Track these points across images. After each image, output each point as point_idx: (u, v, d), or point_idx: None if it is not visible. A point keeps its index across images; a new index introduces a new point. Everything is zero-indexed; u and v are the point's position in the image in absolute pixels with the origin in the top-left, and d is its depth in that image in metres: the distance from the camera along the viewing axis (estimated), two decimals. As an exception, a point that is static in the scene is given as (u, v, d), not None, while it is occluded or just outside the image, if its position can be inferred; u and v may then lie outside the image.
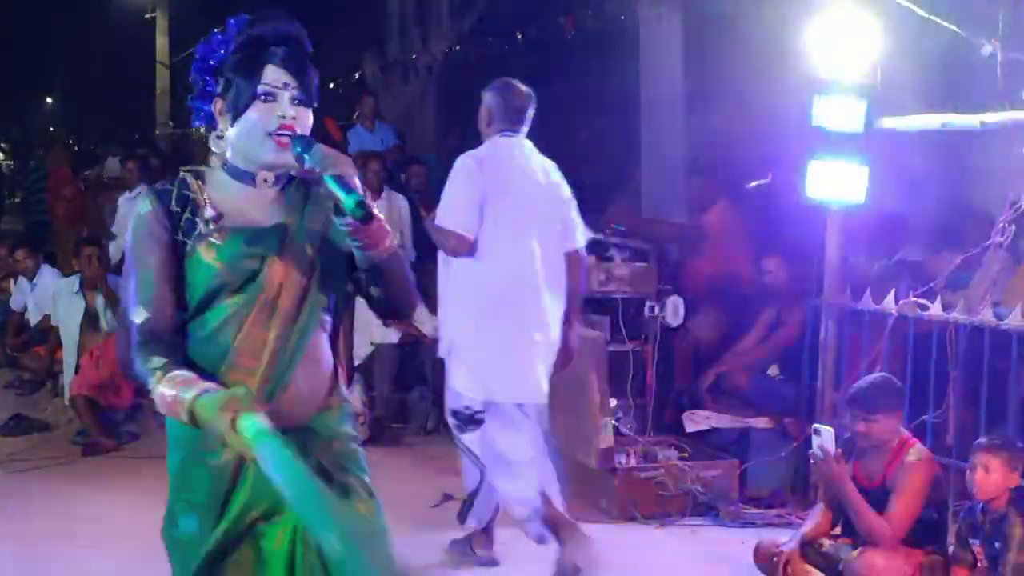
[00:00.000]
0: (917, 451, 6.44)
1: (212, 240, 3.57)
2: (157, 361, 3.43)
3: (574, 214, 7.10)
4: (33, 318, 12.22)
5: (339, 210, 3.36)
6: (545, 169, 7.09)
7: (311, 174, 3.47)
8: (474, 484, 7.12)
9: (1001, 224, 7.56)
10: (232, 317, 3.54)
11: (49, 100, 40.19)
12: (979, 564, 6.19)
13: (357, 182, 3.40)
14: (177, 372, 3.41)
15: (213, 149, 3.78)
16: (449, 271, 6.95)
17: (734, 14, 12.32)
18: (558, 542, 6.73)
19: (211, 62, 3.76)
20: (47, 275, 12.11)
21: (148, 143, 22.15)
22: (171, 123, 24.54)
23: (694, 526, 8.05)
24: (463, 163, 6.90)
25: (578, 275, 7.05)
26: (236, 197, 3.67)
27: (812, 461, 6.84)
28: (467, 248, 6.70)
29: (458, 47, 18.84)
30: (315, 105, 3.69)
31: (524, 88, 7.16)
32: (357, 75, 20.53)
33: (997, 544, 6.04)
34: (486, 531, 7.29)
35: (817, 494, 7.92)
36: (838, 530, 6.79)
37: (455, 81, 18.98)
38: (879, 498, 6.39)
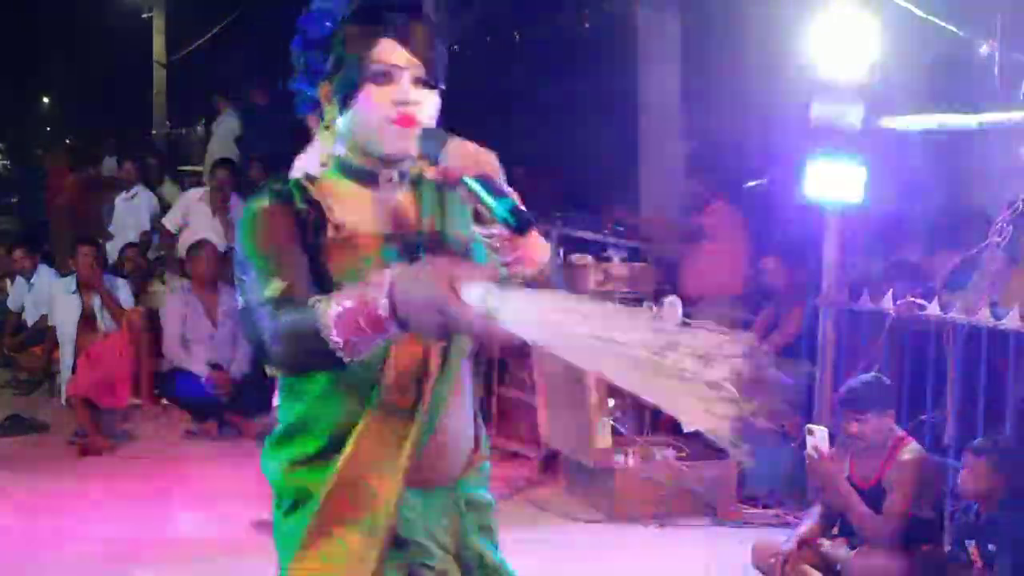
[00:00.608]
0: (911, 450, 6.45)
1: (346, 248, 2.92)
2: (310, 301, 2.65)
3: None
4: (30, 318, 12.20)
5: (482, 218, 2.78)
6: None
7: (445, 175, 2.81)
8: None
9: (999, 224, 7.56)
10: None
11: (46, 100, 40.17)
12: (975, 564, 6.19)
13: (506, 185, 2.79)
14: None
15: (321, 144, 3.13)
16: None
17: (733, 14, 12.33)
18: None
19: (316, 35, 3.05)
20: (44, 275, 12.09)
21: (145, 143, 22.14)
22: (168, 123, 24.52)
23: (692, 526, 8.04)
24: None
25: None
26: (359, 201, 3.01)
27: (807, 461, 6.85)
28: None
29: (455, 47, 18.84)
30: (442, 87, 3.07)
31: None
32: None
33: (991, 545, 6.05)
34: None
35: (811, 494, 7.95)
36: (835, 530, 6.79)
37: (453, 81, 18.99)
38: (875, 497, 6.40)
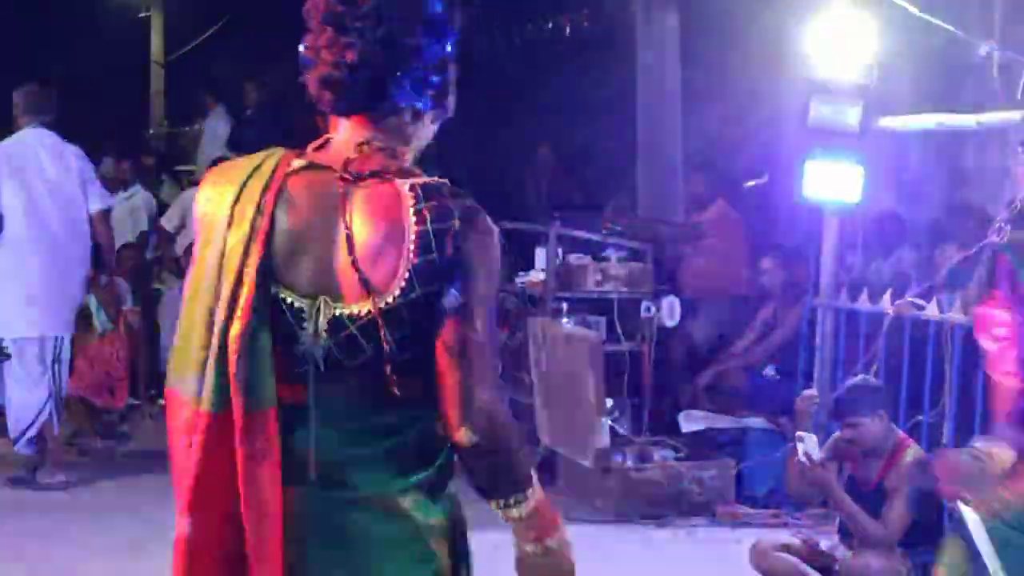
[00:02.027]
0: (913, 453, 6.44)
1: None
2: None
3: None
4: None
5: None
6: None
7: None
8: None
9: (998, 224, 7.55)
10: None
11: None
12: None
13: None
14: None
15: (416, 143, 3.02)
16: None
17: (731, 14, 12.32)
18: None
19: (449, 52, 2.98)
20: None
21: (143, 143, 22.12)
22: (166, 122, 24.49)
23: (690, 526, 8.04)
24: None
25: None
26: None
27: (796, 469, 6.84)
28: None
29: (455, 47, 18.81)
30: None
31: None
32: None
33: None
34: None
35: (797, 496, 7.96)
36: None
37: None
38: (876, 500, 6.39)
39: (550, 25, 18.02)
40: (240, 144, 14.22)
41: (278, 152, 2.90)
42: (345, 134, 2.92)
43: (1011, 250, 4.64)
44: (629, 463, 8.44)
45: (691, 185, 10.79)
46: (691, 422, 8.96)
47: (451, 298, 2.75)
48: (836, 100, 7.97)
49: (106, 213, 9.08)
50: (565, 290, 9.24)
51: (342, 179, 2.81)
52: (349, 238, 2.76)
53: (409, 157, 2.97)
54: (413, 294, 2.73)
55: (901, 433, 6.61)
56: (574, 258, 9.36)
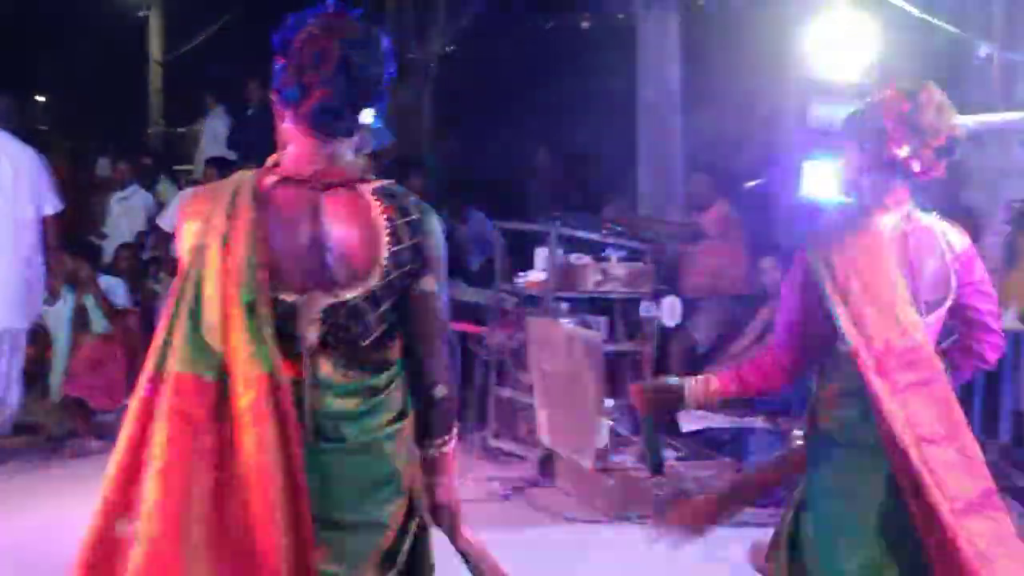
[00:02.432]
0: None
1: None
2: None
3: None
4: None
5: None
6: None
7: None
8: None
9: (998, 224, 7.55)
10: None
11: (40, 99, 40.16)
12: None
13: None
14: None
15: (361, 152, 3.62)
16: None
17: (732, 15, 12.33)
18: None
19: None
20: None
21: (140, 142, 22.11)
22: (163, 122, 24.49)
23: (690, 526, 8.02)
24: None
25: None
26: None
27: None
28: None
29: (454, 47, 18.82)
30: None
31: None
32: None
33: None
34: None
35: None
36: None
37: (451, 81, 18.95)
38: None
39: (551, 26, 18.02)
40: (239, 144, 14.22)
41: (247, 174, 3.47)
42: (307, 149, 3.47)
43: None
44: (629, 463, 8.43)
45: (692, 185, 10.78)
46: (691, 422, 8.95)
47: (427, 281, 3.47)
48: (836, 100, 7.96)
49: (57, 217, 9.50)
50: (565, 290, 9.24)
51: (312, 189, 3.42)
52: (331, 239, 3.38)
53: (361, 164, 3.57)
54: (390, 277, 3.40)
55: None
56: (574, 258, 9.36)
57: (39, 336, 11.41)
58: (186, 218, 3.56)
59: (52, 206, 9.42)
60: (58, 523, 7.78)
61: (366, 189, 3.46)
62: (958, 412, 4.23)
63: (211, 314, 3.37)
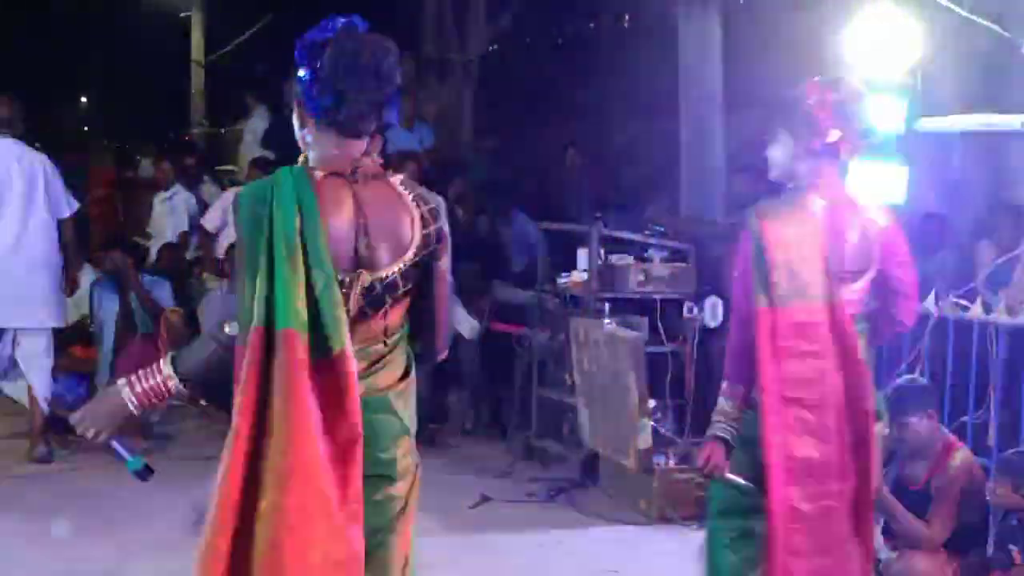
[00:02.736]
0: (961, 456, 6.41)
1: None
2: None
3: None
4: (70, 318, 12.22)
5: None
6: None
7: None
8: None
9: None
10: None
11: (83, 99, 40.29)
12: (1018, 567, 6.14)
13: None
14: None
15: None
16: None
17: (773, 14, 12.30)
18: None
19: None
20: (85, 275, 12.12)
21: (183, 143, 22.18)
22: (205, 122, 24.57)
23: (732, 527, 8.01)
24: None
25: None
26: None
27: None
28: None
29: (495, 47, 18.84)
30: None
31: None
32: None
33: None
34: None
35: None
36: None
37: (492, 82, 18.98)
38: (922, 501, 6.36)
39: (592, 27, 18.02)
40: (275, 143, 14.27)
41: (295, 168, 3.91)
42: (340, 149, 3.90)
43: None
44: (672, 464, 8.42)
45: (734, 185, 10.75)
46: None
47: (444, 260, 4.01)
48: (879, 100, 7.94)
49: (72, 219, 9.69)
50: (607, 291, 9.23)
51: (353, 183, 3.87)
52: (372, 224, 3.84)
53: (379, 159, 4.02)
54: (419, 256, 3.90)
55: (950, 435, 6.58)
56: (616, 258, 9.35)
57: (86, 336, 11.50)
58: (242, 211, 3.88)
59: (68, 208, 9.63)
60: (104, 523, 7.86)
61: (395, 181, 3.98)
62: (835, 384, 4.82)
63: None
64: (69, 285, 9.94)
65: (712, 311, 9.00)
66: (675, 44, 12.03)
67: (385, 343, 3.93)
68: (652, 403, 8.51)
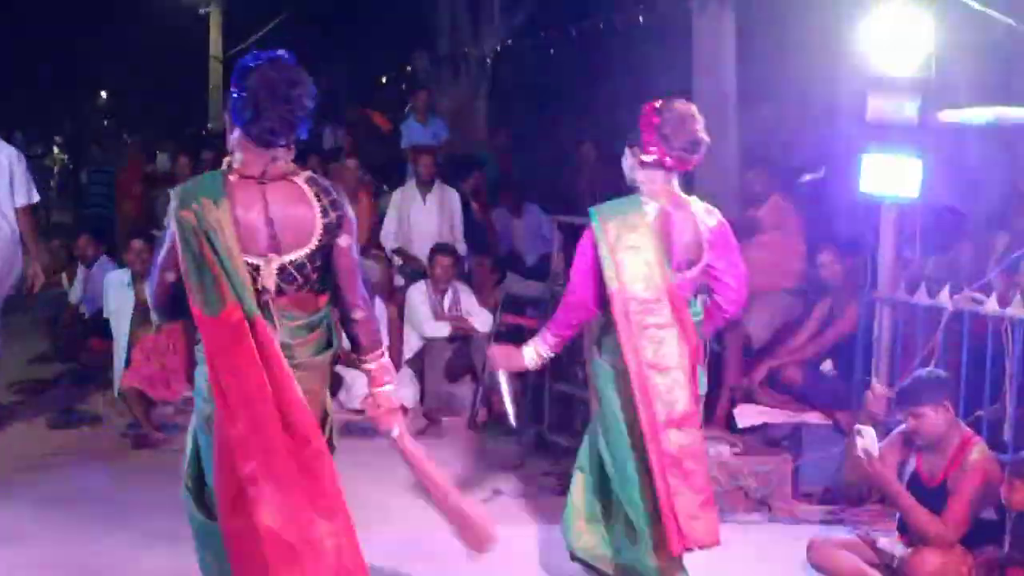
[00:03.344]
0: (979, 451, 6.39)
1: None
2: None
3: None
4: (88, 310, 12.26)
5: None
6: None
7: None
8: None
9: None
10: None
11: (103, 95, 40.37)
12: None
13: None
14: None
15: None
16: None
17: (787, 9, 12.27)
18: None
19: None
20: (102, 268, 12.15)
21: (201, 138, 22.24)
22: (223, 117, 24.66)
23: (746, 522, 8.00)
24: None
25: None
26: None
27: (855, 463, 6.80)
28: None
29: (509, 42, 18.82)
30: None
31: None
32: (408, 68, 20.53)
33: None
34: None
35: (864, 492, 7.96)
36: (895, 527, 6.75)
37: (506, 77, 18.96)
38: (938, 496, 6.34)
39: (605, 25, 17.98)
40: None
41: (215, 173, 4.89)
42: (255, 156, 4.87)
43: None
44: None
45: (747, 180, 10.73)
46: (747, 417, 8.93)
47: (343, 238, 4.94)
48: (894, 94, 7.92)
49: (28, 208, 9.81)
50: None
51: (261, 183, 4.85)
52: (278, 218, 4.85)
53: (292, 164, 4.94)
54: (322, 242, 4.90)
55: (967, 430, 6.56)
56: (630, 253, 9.31)
57: (94, 329, 11.51)
58: (179, 212, 4.84)
59: (26, 198, 9.76)
60: (118, 516, 7.86)
61: (300, 180, 4.92)
62: (684, 349, 5.96)
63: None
64: (30, 278, 10.07)
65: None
66: (689, 39, 12.02)
67: (308, 317, 4.94)
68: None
